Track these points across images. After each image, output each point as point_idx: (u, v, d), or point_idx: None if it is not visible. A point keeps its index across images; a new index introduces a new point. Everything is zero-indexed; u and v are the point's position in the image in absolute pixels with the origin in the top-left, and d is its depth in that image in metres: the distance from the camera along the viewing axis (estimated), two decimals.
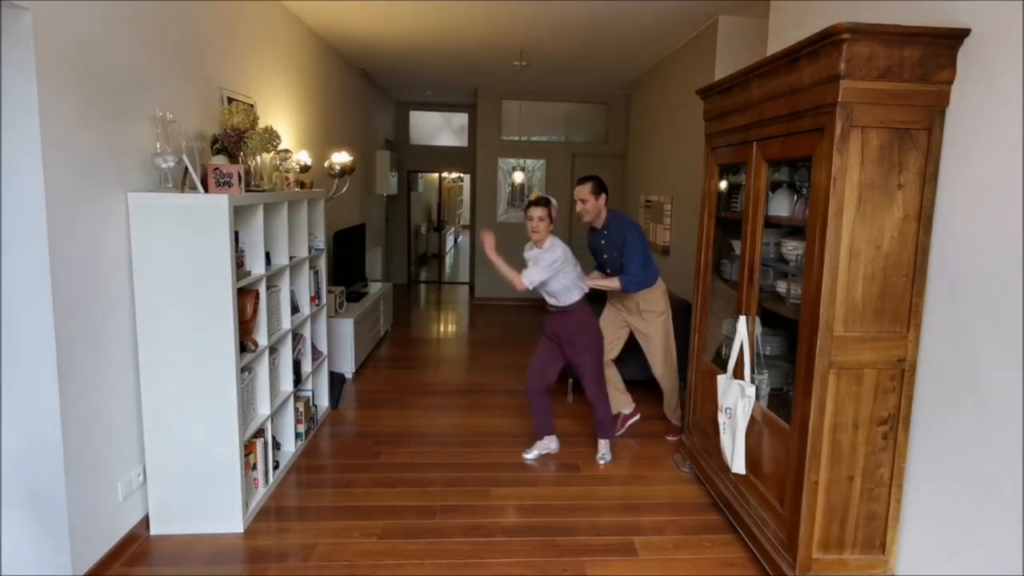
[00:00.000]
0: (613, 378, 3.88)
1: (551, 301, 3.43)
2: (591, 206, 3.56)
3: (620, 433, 3.89)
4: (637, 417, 3.99)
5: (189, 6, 3.06)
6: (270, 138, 3.00)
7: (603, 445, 3.62)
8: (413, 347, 6.18)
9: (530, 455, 3.61)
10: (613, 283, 3.56)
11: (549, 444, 3.67)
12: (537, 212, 3.28)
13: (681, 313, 4.51)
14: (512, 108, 8.29)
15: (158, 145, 2.69)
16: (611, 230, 3.62)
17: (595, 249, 3.78)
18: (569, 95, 8.23)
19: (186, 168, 2.66)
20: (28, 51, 2.04)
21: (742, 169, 2.79)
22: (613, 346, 3.85)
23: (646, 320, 3.76)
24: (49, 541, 2.28)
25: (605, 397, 3.55)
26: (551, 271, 3.27)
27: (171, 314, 2.60)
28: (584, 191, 3.55)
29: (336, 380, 4.34)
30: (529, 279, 3.26)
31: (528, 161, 8.47)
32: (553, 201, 3.35)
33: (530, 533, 2.83)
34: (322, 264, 4.06)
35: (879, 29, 1.93)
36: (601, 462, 3.57)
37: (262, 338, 3.01)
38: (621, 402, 3.93)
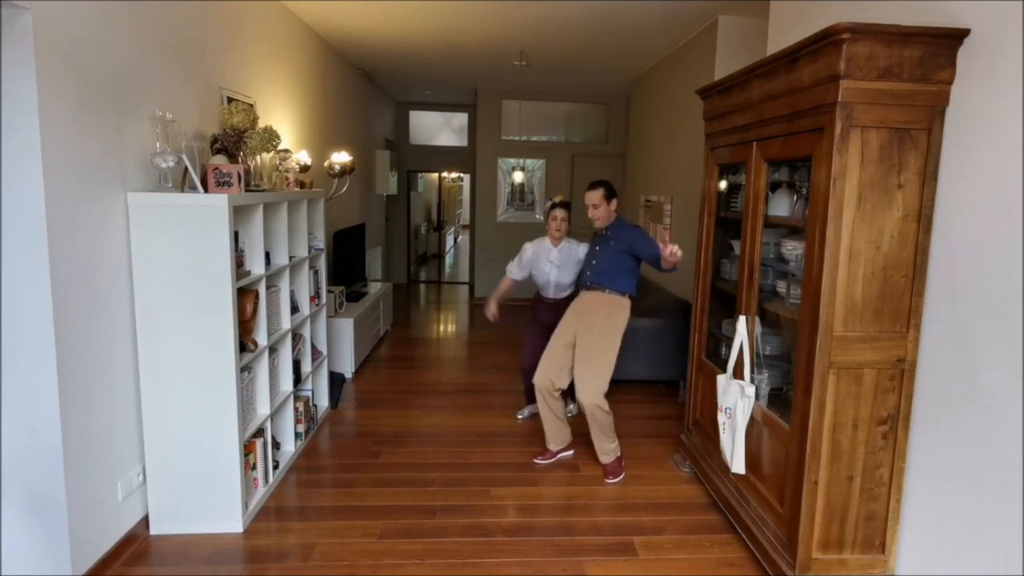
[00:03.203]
0: (557, 409, 3.51)
1: (553, 293, 3.87)
2: (603, 211, 3.45)
3: (548, 462, 3.56)
4: (571, 452, 3.64)
5: (189, 6, 3.07)
6: (270, 138, 3.00)
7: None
8: (413, 347, 6.18)
9: (523, 414, 4.18)
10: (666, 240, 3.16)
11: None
12: (561, 213, 3.73)
13: (680, 313, 4.53)
14: (512, 108, 8.29)
15: (158, 145, 2.69)
16: (618, 233, 3.44)
17: (591, 248, 3.61)
18: (569, 95, 8.23)
19: (186, 168, 2.66)
20: (28, 51, 2.03)
21: (742, 169, 2.79)
22: (563, 371, 3.41)
23: (597, 321, 3.32)
24: (49, 541, 2.28)
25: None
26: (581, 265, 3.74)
27: (171, 314, 2.60)
28: (596, 196, 3.44)
29: (336, 380, 4.34)
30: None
31: (528, 161, 8.47)
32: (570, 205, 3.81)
33: (530, 533, 2.83)
34: (322, 264, 4.06)
35: (879, 29, 1.93)
36: (569, 415, 3.95)
37: (262, 338, 3.01)
38: (563, 436, 3.58)
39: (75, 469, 2.30)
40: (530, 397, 4.07)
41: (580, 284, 3.66)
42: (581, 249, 3.76)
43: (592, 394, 3.24)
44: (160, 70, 2.81)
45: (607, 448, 3.38)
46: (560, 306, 3.77)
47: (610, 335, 3.32)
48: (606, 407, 3.28)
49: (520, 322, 3.98)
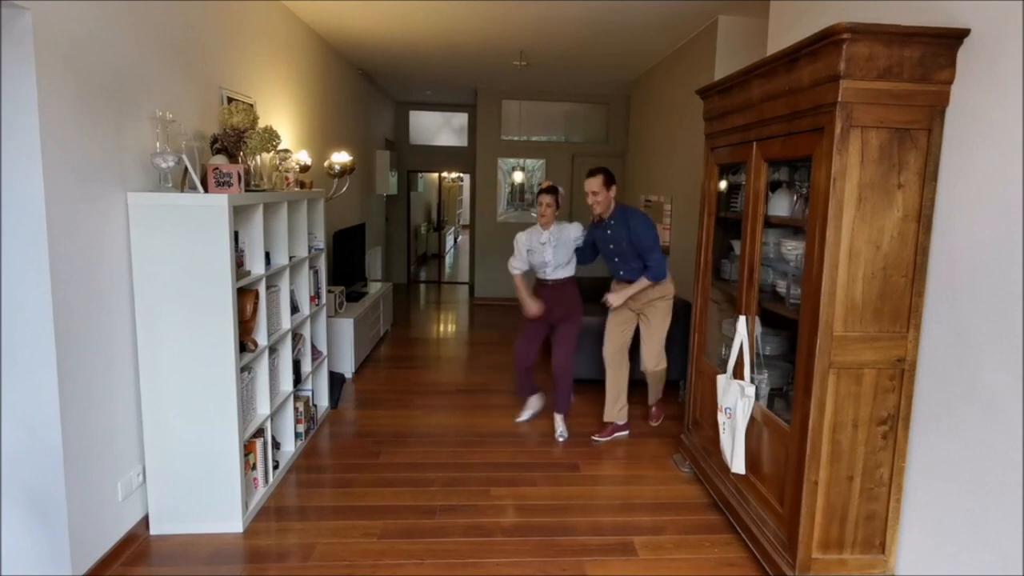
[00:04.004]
0: (621, 380, 3.88)
1: (551, 274, 3.83)
2: (603, 198, 3.59)
3: (605, 440, 3.87)
4: (626, 433, 3.94)
5: (189, 6, 3.07)
6: (270, 138, 3.00)
7: (559, 421, 3.96)
8: (413, 347, 6.18)
9: (523, 416, 4.15)
10: (641, 283, 3.54)
11: (536, 403, 4.19)
12: (546, 199, 3.75)
13: (681, 314, 4.52)
14: (512, 108, 8.30)
15: (158, 145, 2.69)
16: (618, 221, 3.62)
17: (600, 241, 3.77)
18: (569, 95, 8.23)
19: (186, 168, 2.66)
20: (28, 51, 2.03)
21: (742, 169, 2.79)
22: (624, 341, 3.86)
23: (655, 307, 3.74)
24: (49, 541, 2.28)
25: (571, 371, 3.92)
26: (577, 243, 3.80)
27: (171, 314, 2.60)
28: (595, 183, 3.58)
29: (336, 380, 4.34)
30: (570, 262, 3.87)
31: (528, 161, 8.47)
32: (560, 189, 3.84)
33: (530, 533, 2.83)
34: (322, 264, 4.06)
35: (879, 29, 1.93)
36: (560, 439, 3.88)
37: (262, 338, 3.01)
38: (618, 412, 3.91)
39: (75, 469, 2.30)
40: (523, 392, 4.12)
41: (615, 276, 3.81)
42: (572, 228, 3.80)
43: (655, 361, 3.83)
44: (160, 70, 2.81)
45: (657, 394, 4.08)
46: (560, 289, 3.84)
47: (663, 314, 3.78)
48: (664, 366, 3.87)
49: (517, 322, 3.98)
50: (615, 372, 3.88)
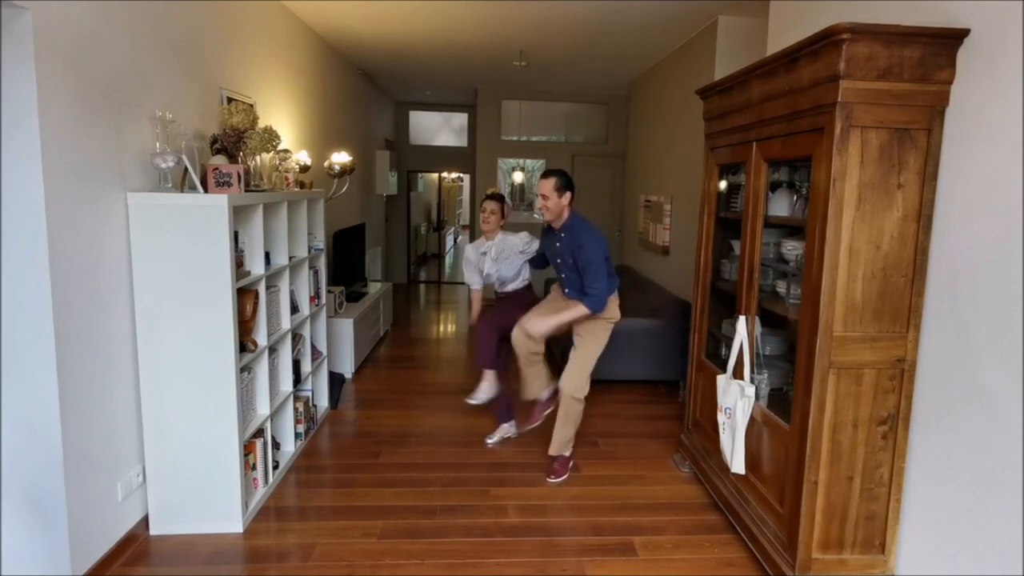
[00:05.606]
0: (543, 372, 3.53)
1: (499, 288, 3.73)
2: (552, 204, 3.11)
3: (536, 424, 3.56)
4: (552, 409, 3.48)
5: (189, 6, 3.07)
6: (270, 138, 3.00)
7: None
8: (413, 347, 6.18)
9: (492, 440, 3.84)
10: (576, 312, 3.09)
11: (509, 430, 3.90)
12: (491, 206, 3.59)
13: (680, 313, 4.53)
14: (512, 108, 8.29)
15: (158, 145, 2.69)
16: (568, 234, 3.18)
17: (547, 251, 3.43)
18: (569, 95, 8.23)
19: (186, 168, 2.66)
20: (28, 51, 2.04)
21: (742, 169, 2.79)
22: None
23: (593, 327, 3.27)
24: (49, 541, 2.28)
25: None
26: (526, 255, 3.60)
27: (171, 314, 2.60)
28: (547, 186, 3.10)
29: (336, 380, 4.34)
30: (523, 278, 3.71)
31: (528, 161, 8.47)
32: (508, 201, 3.67)
33: (530, 533, 2.83)
34: (322, 264, 4.06)
35: (879, 29, 1.94)
36: (489, 441, 3.82)
37: (262, 338, 3.01)
38: (539, 387, 3.52)
39: (75, 469, 2.30)
40: (501, 416, 3.87)
41: (560, 284, 3.46)
42: (516, 240, 3.59)
43: (573, 384, 3.26)
44: (160, 70, 2.81)
45: (564, 440, 3.36)
46: (517, 298, 3.67)
47: (599, 337, 3.29)
48: (581, 397, 3.28)
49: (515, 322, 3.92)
50: (527, 370, 3.48)
